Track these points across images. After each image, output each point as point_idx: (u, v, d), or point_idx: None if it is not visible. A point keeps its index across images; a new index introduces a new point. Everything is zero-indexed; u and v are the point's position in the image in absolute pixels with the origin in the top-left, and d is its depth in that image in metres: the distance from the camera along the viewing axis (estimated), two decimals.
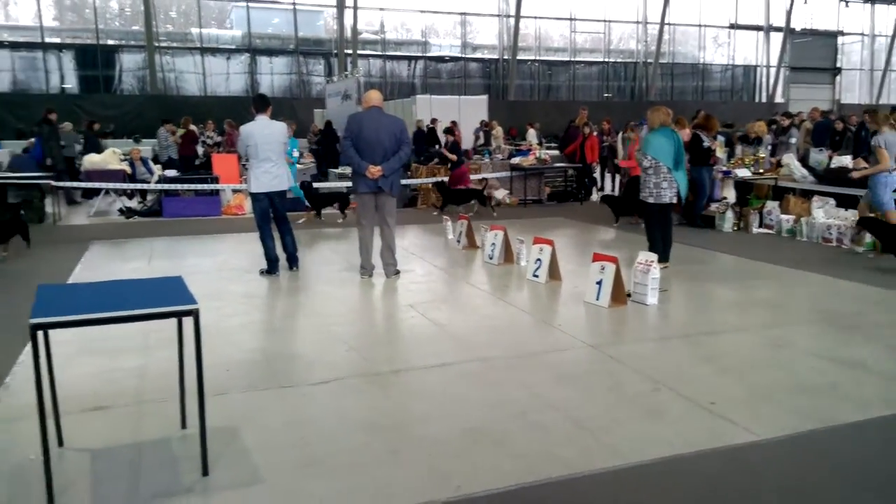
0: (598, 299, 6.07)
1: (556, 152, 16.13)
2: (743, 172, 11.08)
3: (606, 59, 37.23)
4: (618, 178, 14.95)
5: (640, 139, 12.55)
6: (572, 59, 37.00)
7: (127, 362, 4.66)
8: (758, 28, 38.03)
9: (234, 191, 12.72)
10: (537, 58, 36.65)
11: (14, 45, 31.40)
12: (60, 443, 3.43)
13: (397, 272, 7.32)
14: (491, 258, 7.96)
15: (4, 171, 12.86)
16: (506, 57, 35.22)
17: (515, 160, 14.32)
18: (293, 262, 7.60)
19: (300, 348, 5.12)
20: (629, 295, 6.16)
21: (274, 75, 34.66)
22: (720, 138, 12.22)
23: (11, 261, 8.25)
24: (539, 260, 7.04)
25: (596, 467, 3.23)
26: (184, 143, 15.98)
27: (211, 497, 3.02)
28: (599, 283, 6.07)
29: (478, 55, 36.56)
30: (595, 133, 15.10)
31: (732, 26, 37.67)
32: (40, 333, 2.87)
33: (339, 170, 14.30)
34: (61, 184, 12.41)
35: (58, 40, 32.16)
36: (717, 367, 4.59)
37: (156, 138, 16.74)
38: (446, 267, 7.91)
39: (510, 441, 3.51)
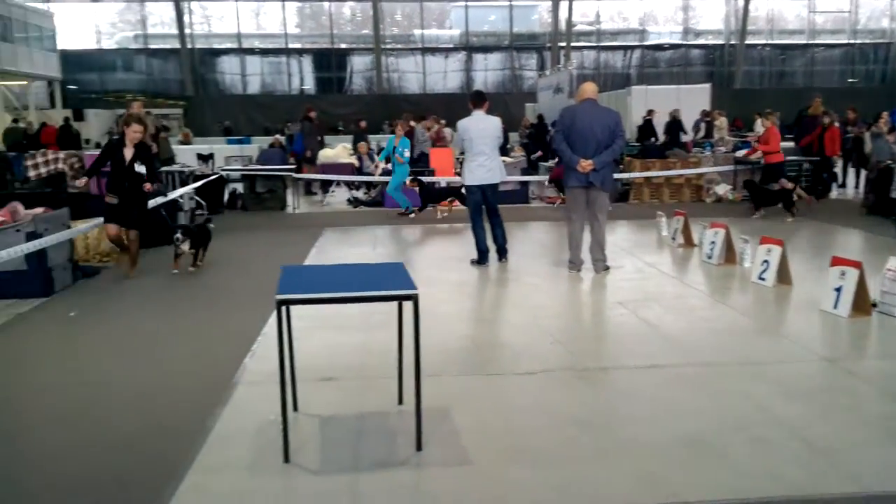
0: (836, 308, 5.44)
1: (789, 144, 14.72)
2: None
3: (852, 41, 33.23)
4: (863, 173, 13.32)
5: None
6: (810, 42, 33.53)
7: (352, 339, 5.05)
8: None
9: (449, 183, 13.22)
10: (769, 41, 33.71)
11: (263, 52, 35.37)
12: (295, 407, 3.80)
13: (607, 268, 7.15)
14: (710, 257, 7.48)
15: (254, 164, 14.55)
16: (732, 42, 32.83)
17: (740, 153, 13.31)
18: (502, 253, 7.73)
19: (508, 338, 5.20)
20: (875, 305, 5.45)
21: (488, 71, 35.53)
22: None
23: (256, 244, 9.32)
24: (766, 261, 6.48)
25: (829, 492, 2.91)
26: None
27: (423, 472, 3.17)
28: (838, 289, 5.44)
29: (700, 41, 34.49)
30: (836, 123, 13.54)
31: None
32: (283, 308, 3.20)
33: (549, 163, 14.29)
34: (299, 175, 13.76)
35: (299, 46, 35.64)
36: None
37: (381, 133, 17.89)
38: (659, 265, 7.58)
39: (730, 454, 3.27)
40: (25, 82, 28.76)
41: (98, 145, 22.49)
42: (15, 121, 21.35)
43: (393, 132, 17.19)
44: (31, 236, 6.33)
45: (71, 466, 3.24)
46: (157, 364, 4.65)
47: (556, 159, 12.34)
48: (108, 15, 34.92)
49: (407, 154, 11.55)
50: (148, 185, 7.09)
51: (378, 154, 14.34)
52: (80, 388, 4.23)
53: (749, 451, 3.29)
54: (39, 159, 10.61)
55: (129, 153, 6.95)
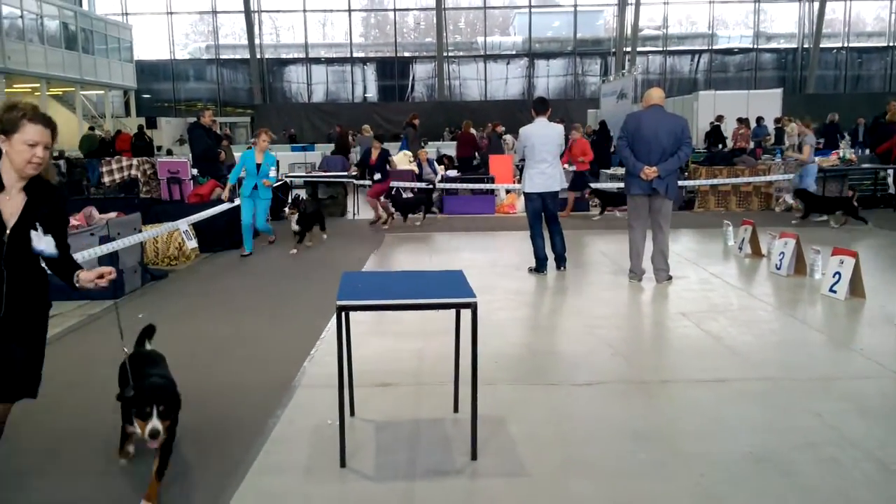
0: None
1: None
2: None
3: None
4: None
5: None
6: (891, 45, 32.08)
7: (409, 345, 5.08)
8: None
9: (507, 191, 13.20)
10: (844, 45, 32.40)
11: (329, 61, 36.07)
12: (352, 412, 3.84)
13: (669, 278, 6.99)
14: (778, 268, 7.22)
15: (317, 171, 14.85)
16: (806, 45, 31.69)
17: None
18: (561, 261, 7.65)
19: (565, 347, 5.14)
20: None
21: (550, 77, 35.29)
22: None
23: (318, 248, 9.49)
24: (838, 273, 6.22)
25: None
26: (462, 145, 16.97)
27: (479, 482, 3.16)
28: None
29: (772, 45, 33.45)
30: None
31: None
32: (343, 314, 3.24)
33: (612, 170, 14.09)
34: (360, 182, 13.96)
35: (363, 55, 36.21)
36: None
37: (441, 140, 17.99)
38: (724, 275, 7.36)
39: (796, 473, 3.14)
40: (103, 91, 30.14)
41: (169, 152, 23.36)
42: (91, 128, 22.40)
43: (478, 136, 16.20)
44: (105, 240, 6.61)
45: (137, 461, 3.35)
46: (221, 365, 4.78)
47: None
48: (181, 26, 36.26)
49: (273, 174, 8.93)
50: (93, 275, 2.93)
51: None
52: None
53: (817, 472, 3.15)
54: (114, 165, 11.09)
55: (9, 208, 2.86)
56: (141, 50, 33.40)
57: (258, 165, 8.71)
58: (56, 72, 25.74)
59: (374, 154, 11.56)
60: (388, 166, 11.55)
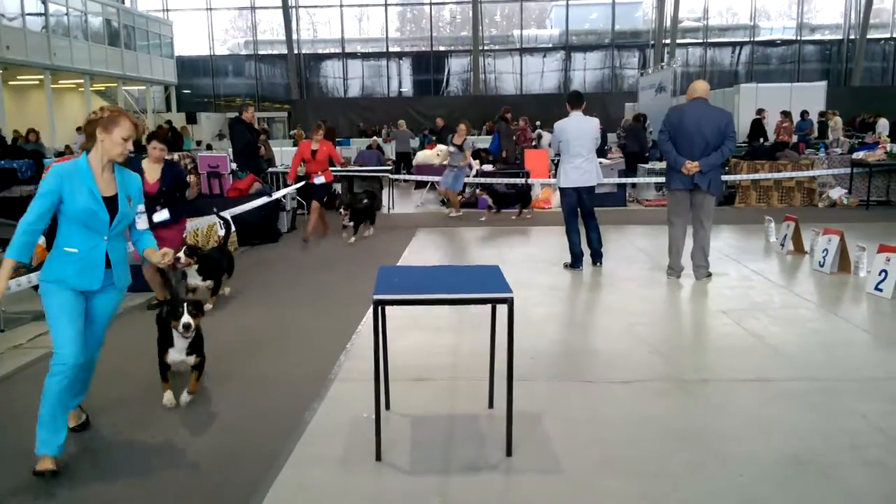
0: None
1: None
2: None
3: None
4: None
5: None
6: None
7: (444, 340, 5.08)
8: None
9: (543, 185, 13.10)
10: (893, 35, 31.44)
11: (365, 56, 36.23)
12: (388, 406, 3.86)
13: (709, 275, 6.87)
14: (822, 266, 7.05)
15: (352, 166, 14.93)
16: (852, 36, 30.82)
17: (858, 155, 12.48)
18: (597, 257, 7.58)
19: (601, 344, 5.09)
20: None
21: (587, 71, 34.95)
22: None
23: (356, 242, 9.54)
24: (884, 271, 6.04)
25: None
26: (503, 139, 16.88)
27: (513, 478, 3.15)
28: None
29: (816, 36, 32.61)
30: None
31: None
32: (379, 308, 3.25)
33: (649, 165, 13.89)
34: (395, 176, 14.02)
35: (398, 49, 36.28)
36: None
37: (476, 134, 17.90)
38: (766, 272, 7.21)
39: (840, 476, 3.07)
40: (144, 87, 30.74)
41: (209, 147, 23.75)
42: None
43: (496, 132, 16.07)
44: None
45: (177, 451, 3.42)
46: (259, 357, 4.85)
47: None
48: (221, 22, 36.76)
49: (142, 225, 3.52)
50: None
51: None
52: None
53: (862, 475, 3.07)
54: None
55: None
56: (181, 46, 33.95)
57: (108, 202, 3.28)
58: (99, 68, 26.31)
59: (153, 172, 5.81)
60: (182, 193, 6.07)
